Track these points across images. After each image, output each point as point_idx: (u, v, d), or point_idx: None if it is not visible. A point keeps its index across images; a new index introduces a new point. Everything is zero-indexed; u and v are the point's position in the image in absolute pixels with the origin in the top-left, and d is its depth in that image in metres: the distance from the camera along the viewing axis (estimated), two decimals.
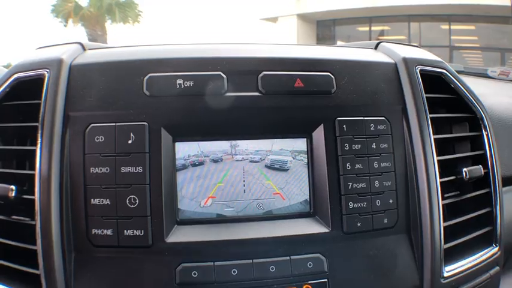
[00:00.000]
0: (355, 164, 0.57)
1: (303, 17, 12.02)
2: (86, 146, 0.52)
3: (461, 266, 0.60)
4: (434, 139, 0.59)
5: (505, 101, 0.91)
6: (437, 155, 0.59)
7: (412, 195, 0.58)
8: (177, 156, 0.55)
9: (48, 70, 0.55)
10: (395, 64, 0.62)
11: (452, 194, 0.64)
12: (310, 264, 0.54)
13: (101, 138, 0.52)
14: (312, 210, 0.57)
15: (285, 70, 0.57)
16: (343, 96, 0.58)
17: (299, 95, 0.57)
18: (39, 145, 0.52)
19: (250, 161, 0.57)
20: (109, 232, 0.51)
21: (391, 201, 0.58)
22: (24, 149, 0.57)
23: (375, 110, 0.59)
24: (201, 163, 0.56)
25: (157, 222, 0.52)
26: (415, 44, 0.75)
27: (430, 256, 0.57)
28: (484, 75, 1.34)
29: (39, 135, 0.52)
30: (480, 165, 0.64)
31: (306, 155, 0.58)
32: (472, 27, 10.79)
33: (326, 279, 0.54)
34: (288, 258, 0.54)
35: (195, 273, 0.52)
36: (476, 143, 0.67)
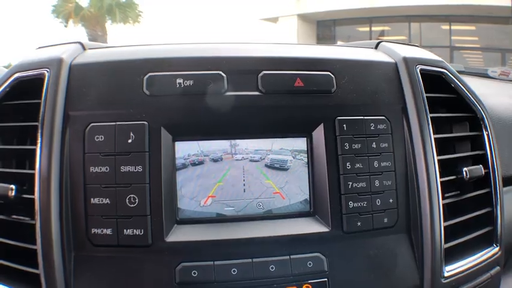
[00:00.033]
0: (355, 164, 0.56)
1: (303, 17, 12.02)
2: (85, 145, 0.52)
3: (462, 265, 0.60)
4: (435, 139, 0.59)
5: (505, 101, 0.91)
6: (438, 155, 0.59)
7: (412, 194, 0.58)
8: (176, 156, 0.55)
9: (48, 70, 0.55)
10: (396, 64, 0.62)
11: (453, 193, 0.64)
12: (310, 264, 0.54)
13: (101, 138, 0.52)
14: (311, 210, 0.57)
15: (285, 69, 0.57)
16: (343, 95, 0.58)
17: (299, 94, 0.57)
18: (39, 144, 0.52)
19: (250, 160, 0.57)
20: (109, 231, 0.51)
21: (391, 200, 0.58)
22: (24, 149, 0.57)
23: (375, 110, 0.59)
24: (200, 162, 0.56)
25: (157, 222, 0.52)
26: (415, 44, 0.75)
27: (431, 256, 0.57)
28: (485, 76, 1.34)
29: (39, 134, 0.52)
30: (480, 165, 0.64)
31: (306, 155, 0.58)
32: (473, 28, 10.79)
33: (326, 279, 0.54)
34: (287, 257, 0.53)
35: (194, 273, 0.52)
36: (477, 142, 0.67)
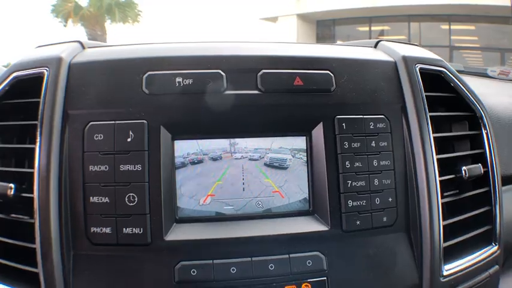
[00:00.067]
0: (355, 162, 0.56)
1: (303, 17, 12.02)
2: (85, 144, 0.52)
3: (461, 264, 0.60)
4: (434, 138, 0.59)
5: (504, 101, 0.91)
6: (437, 154, 0.59)
7: (412, 193, 0.58)
8: (176, 154, 0.55)
9: (47, 68, 0.54)
10: (395, 62, 0.62)
11: (452, 192, 0.64)
12: (309, 263, 0.54)
13: (100, 136, 0.52)
14: (311, 209, 0.57)
15: (285, 68, 0.57)
16: (342, 94, 0.58)
17: (298, 93, 0.57)
18: (38, 143, 0.52)
19: (250, 159, 0.57)
20: (108, 230, 0.51)
21: (390, 199, 0.58)
22: (23, 147, 0.57)
23: (374, 109, 0.59)
24: (200, 161, 0.56)
25: (156, 220, 0.52)
26: (414, 43, 0.75)
27: (430, 254, 0.57)
28: (484, 75, 1.34)
29: (38, 133, 0.52)
30: (480, 164, 0.64)
31: (305, 153, 0.58)
32: (472, 27, 10.79)
33: (325, 278, 0.54)
34: (287, 256, 0.53)
35: (194, 271, 0.52)
36: (476, 141, 0.67)
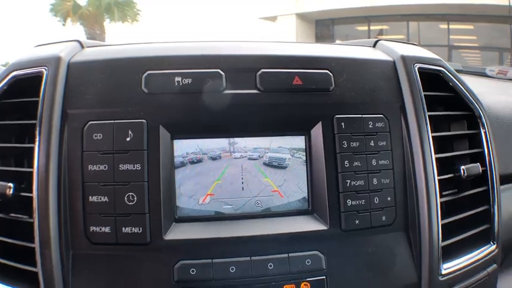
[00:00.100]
0: (354, 162, 0.57)
1: (302, 17, 12.02)
2: (84, 143, 0.52)
3: (459, 263, 0.60)
4: (433, 137, 0.59)
5: (502, 100, 0.91)
6: (436, 153, 0.59)
7: (410, 192, 0.59)
8: (175, 154, 0.55)
9: (46, 68, 0.54)
10: (394, 62, 0.62)
11: (450, 191, 0.64)
12: (308, 262, 0.54)
13: (99, 136, 0.52)
14: (310, 208, 0.57)
15: (284, 68, 0.57)
16: (341, 93, 0.58)
17: (297, 92, 0.57)
18: (37, 142, 0.52)
19: (249, 159, 0.57)
20: (107, 229, 0.51)
21: (389, 198, 0.58)
22: (22, 147, 0.57)
23: (373, 108, 0.59)
24: (199, 160, 0.56)
25: (155, 220, 0.52)
26: (413, 43, 0.75)
27: (428, 254, 0.57)
28: (483, 74, 1.34)
29: (37, 132, 0.52)
30: (478, 163, 0.64)
31: (304, 153, 0.58)
32: (471, 27, 10.80)
33: (324, 277, 0.54)
34: (286, 255, 0.54)
35: (193, 271, 0.52)
36: (474, 141, 0.67)
